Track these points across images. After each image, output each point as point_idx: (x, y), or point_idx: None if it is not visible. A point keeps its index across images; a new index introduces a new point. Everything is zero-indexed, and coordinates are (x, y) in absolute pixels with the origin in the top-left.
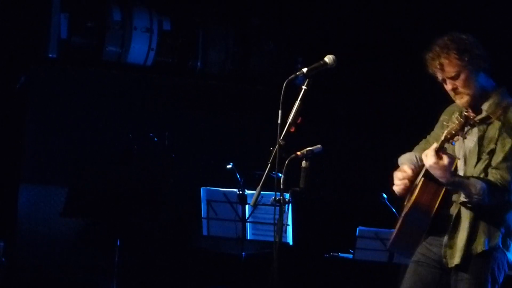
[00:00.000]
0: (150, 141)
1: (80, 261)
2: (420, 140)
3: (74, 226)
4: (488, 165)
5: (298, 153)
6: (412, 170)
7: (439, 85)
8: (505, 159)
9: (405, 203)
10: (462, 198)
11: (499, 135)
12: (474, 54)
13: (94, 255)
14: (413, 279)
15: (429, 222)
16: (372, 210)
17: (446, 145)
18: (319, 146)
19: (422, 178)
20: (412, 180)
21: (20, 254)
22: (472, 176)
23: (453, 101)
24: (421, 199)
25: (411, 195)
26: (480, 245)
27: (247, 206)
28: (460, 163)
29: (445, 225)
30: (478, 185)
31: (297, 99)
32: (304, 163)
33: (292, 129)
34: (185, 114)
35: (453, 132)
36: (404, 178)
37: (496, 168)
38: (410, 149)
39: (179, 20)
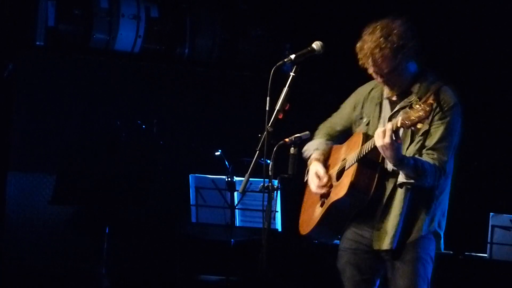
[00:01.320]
0: (138, 128)
1: (69, 248)
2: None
3: (63, 213)
4: (422, 146)
5: (287, 139)
6: (324, 170)
7: None
8: (440, 139)
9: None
10: (402, 179)
11: (433, 117)
12: (407, 48)
13: (83, 243)
14: (350, 268)
15: (363, 206)
16: None
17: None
18: (307, 132)
19: (357, 163)
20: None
21: (8, 242)
22: (417, 157)
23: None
24: (358, 182)
25: (333, 180)
26: (418, 230)
27: (235, 193)
28: None
29: (375, 209)
30: (423, 165)
31: (285, 86)
32: (292, 150)
33: (280, 116)
34: (173, 101)
35: (416, 119)
36: (322, 186)
37: (432, 148)
38: None
39: (167, 7)
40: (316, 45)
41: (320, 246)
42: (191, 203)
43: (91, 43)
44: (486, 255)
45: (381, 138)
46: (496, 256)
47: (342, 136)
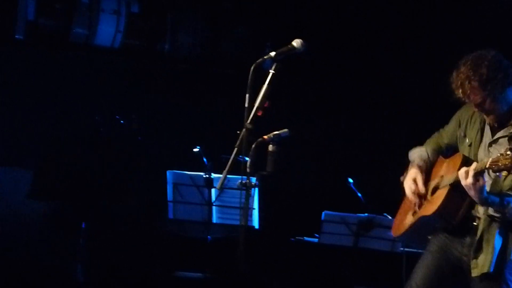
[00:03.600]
0: (117, 124)
1: (45, 244)
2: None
3: (40, 209)
4: None
5: (265, 137)
6: (422, 179)
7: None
8: None
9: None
10: (491, 212)
11: None
12: (497, 79)
13: (60, 238)
14: (430, 269)
15: (447, 227)
16: (338, 195)
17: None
18: (286, 130)
19: (449, 186)
20: (424, 174)
21: None
22: (503, 193)
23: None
24: (445, 207)
25: (428, 193)
26: (508, 256)
27: (213, 190)
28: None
29: (469, 226)
30: (510, 204)
31: (264, 83)
32: (271, 147)
33: (260, 113)
34: (153, 97)
35: (502, 166)
36: (416, 193)
37: None
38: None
39: (148, 2)
40: (296, 43)
41: (296, 244)
42: (168, 199)
43: (70, 38)
44: None
45: (464, 179)
46: None
47: (450, 149)
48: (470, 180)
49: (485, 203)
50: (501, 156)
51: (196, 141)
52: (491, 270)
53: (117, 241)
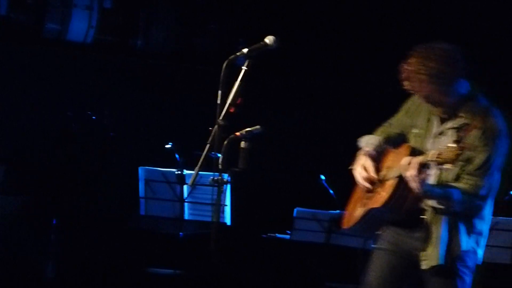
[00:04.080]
0: (89, 120)
1: (15, 240)
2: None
3: (10, 204)
4: (463, 170)
5: (237, 133)
6: (374, 171)
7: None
8: (480, 166)
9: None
10: (434, 204)
11: (478, 143)
12: (444, 73)
13: (30, 234)
14: (382, 267)
15: (396, 218)
16: (309, 191)
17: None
18: (258, 127)
19: (397, 179)
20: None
21: None
22: (445, 185)
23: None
24: (394, 199)
25: (378, 186)
26: (458, 249)
27: (185, 186)
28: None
29: (417, 219)
30: (451, 196)
31: (237, 80)
32: (243, 144)
33: (232, 110)
34: (125, 93)
35: (446, 159)
36: (367, 179)
37: (470, 174)
38: (351, 131)
39: None
40: (269, 39)
41: (268, 241)
42: (140, 196)
43: (43, 33)
44: None
45: (406, 170)
46: None
47: (399, 139)
48: (412, 172)
49: (427, 195)
50: (445, 149)
51: (168, 137)
52: (441, 262)
53: (88, 237)
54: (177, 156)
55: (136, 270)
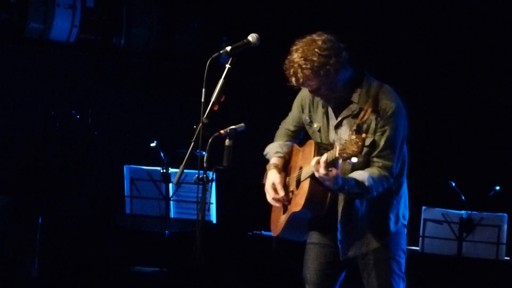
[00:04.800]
0: (73, 119)
1: (1, 238)
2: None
3: None
4: (370, 156)
5: (222, 131)
6: (281, 180)
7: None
8: (385, 147)
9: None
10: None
11: (376, 126)
12: (329, 65)
13: (16, 233)
14: (316, 261)
15: (319, 216)
16: None
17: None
18: (242, 124)
19: (309, 180)
20: (284, 167)
21: None
22: (357, 175)
23: None
24: (311, 199)
25: (290, 186)
26: (386, 231)
27: (170, 185)
28: (337, 147)
29: (335, 215)
30: (366, 182)
31: (221, 78)
32: (227, 142)
33: (216, 108)
34: (109, 92)
35: (350, 153)
36: (277, 200)
37: (377, 156)
38: None
39: None
40: (251, 37)
41: (253, 238)
42: (125, 195)
43: (26, 33)
44: (418, 248)
45: (317, 171)
46: (427, 249)
47: (300, 134)
48: (322, 171)
49: (341, 189)
50: (347, 143)
51: (153, 136)
52: (373, 246)
53: (74, 236)
54: (162, 154)
55: (122, 269)
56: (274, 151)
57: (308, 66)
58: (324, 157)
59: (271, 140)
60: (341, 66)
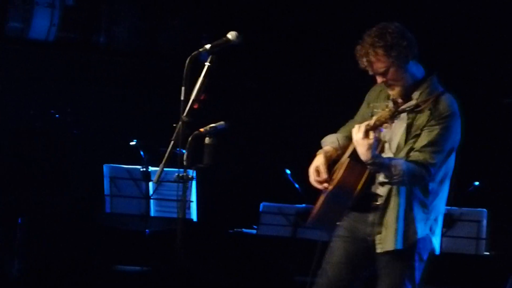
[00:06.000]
0: (52, 118)
1: None
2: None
3: None
4: (412, 148)
5: (202, 129)
6: (326, 172)
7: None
8: (429, 143)
9: (329, 180)
10: (381, 178)
11: (427, 122)
12: (401, 47)
13: None
14: (338, 254)
15: (352, 201)
16: (275, 186)
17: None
18: (222, 122)
19: (348, 159)
20: (336, 159)
21: None
22: (394, 158)
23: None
24: (346, 179)
25: (335, 173)
26: (413, 234)
27: (150, 183)
28: (387, 147)
29: (370, 204)
30: (399, 166)
31: (200, 76)
32: (207, 140)
33: (196, 106)
34: (88, 90)
35: (383, 119)
36: (319, 182)
37: (418, 150)
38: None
39: None
40: (231, 35)
41: (234, 236)
42: (105, 193)
43: (5, 31)
44: None
45: (355, 133)
46: None
47: None
48: (360, 135)
49: (373, 163)
50: (382, 112)
51: (133, 134)
52: (397, 247)
53: (54, 235)
54: (141, 153)
55: (102, 268)
56: (330, 140)
57: (381, 43)
58: (366, 122)
59: (251, 137)
60: (411, 53)
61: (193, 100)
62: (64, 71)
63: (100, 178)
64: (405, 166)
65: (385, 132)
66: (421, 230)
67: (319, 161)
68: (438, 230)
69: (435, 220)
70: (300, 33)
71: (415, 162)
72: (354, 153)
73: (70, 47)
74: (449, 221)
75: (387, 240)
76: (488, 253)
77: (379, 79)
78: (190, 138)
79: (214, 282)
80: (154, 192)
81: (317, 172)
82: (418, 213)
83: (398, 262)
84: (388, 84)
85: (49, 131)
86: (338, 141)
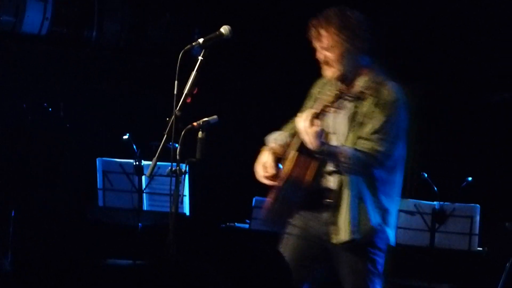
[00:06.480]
0: (45, 112)
1: None
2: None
3: None
4: (359, 137)
5: (194, 123)
6: (274, 167)
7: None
8: (375, 131)
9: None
10: (330, 167)
11: (372, 111)
12: (354, 33)
13: None
14: (292, 253)
15: (302, 196)
16: None
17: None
18: (215, 116)
19: (296, 152)
20: (281, 156)
21: None
22: (341, 146)
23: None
24: (295, 172)
25: (283, 168)
26: (365, 224)
27: (143, 177)
28: (334, 139)
29: (322, 201)
30: (347, 153)
31: (193, 70)
32: (200, 134)
33: (189, 100)
34: (81, 85)
35: (327, 103)
36: (267, 177)
37: (365, 138)
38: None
39: None
40: (224, 29)
41: (227, 231)
42: (98, 187)
43: None
44: None
45: (300, 122)
46: (400, 240)
47: None
48: (305, 122)
49: (322, 151)
50: (324, 96)
51: (125, 128)
52: (353, 237)
53: (47, 229)
54: (134, 147)
55: (95, 262)
56: (273, 137)
57: (336, 22)
58: (308, 111)
59: (244, 131)
60: (360, 46)
61: (185, 94)
62: (57, 65)
63: (93, 172)
64: (353, 153)
65: (329, 123)
66: (374, 219)
67: (265, 157)
68: (392, 221)
69: (388, 210)
70: (294, 28)
71: (363, 150)
72: (301, 146)
73: (62, 41)
74: (442, 217)
75: (341, 231)
76: (481, 249)
77: (321, 55)
78: (183, 132)
79: (206, 276)
80: (146, 186)
81: (265, 168)
82: (369, 203)
83: (357, 256)
84: (327, 64)
85: (42, 125)
86: (283, 138)
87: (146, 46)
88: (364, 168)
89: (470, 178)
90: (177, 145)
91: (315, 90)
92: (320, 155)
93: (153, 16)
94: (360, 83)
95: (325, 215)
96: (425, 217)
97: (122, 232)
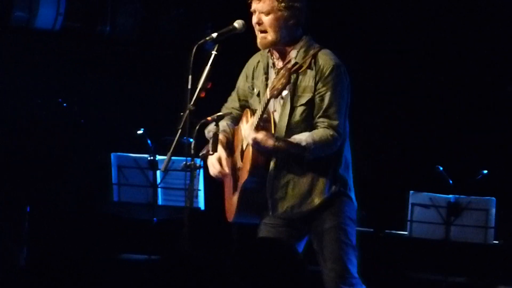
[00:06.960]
0: (59, 107)
1: None
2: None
3: None
4: (309, 115)
5: (209, 118)
6: (226, 154)
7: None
8: (329, 105)
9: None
10: (293, 161)
11: (315, 84)
12: (292, 3)
13: (4, 223)
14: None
15: (264, 183)
16: None
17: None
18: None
19: (251, 147)
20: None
21: None
22: (295, 136)
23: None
24: (256, 165)
25: (239, 162)
26: (321, 193)
27: (158, 172)
28: (275, 115)
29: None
30: (304, 140)
31: (207, 64)
32: (214, 128)
33: (202, 94)
34: (95, 80)
35: (281, 86)
36: (222, 172)
37: (322, 116)
38: None
39: None
40: (237, 23)
41: (242, 225)
42: (113, 182)
43: (11, 21)
44: (406, 232)
45: (247, 136)
46: (415, 233)
47: (244, 109)
48: (251, 135)
49: (278, 148)
50: (275, 80)
51: (140, 123)
52: (324, 195)
53: (62, 224)
54: (149, 141)
55: (109, 257)
56: (220, 129)
57: None
58: (249, 122)
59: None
60: (297, 17)
61: (199, 89)
62: (71, 60)
63: (108, 167)
64: (310, 137)
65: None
66: (327, 188)
67: (218, 151)
68: (350, 184)
69: (345, 177)
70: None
71: (323, 130)
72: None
73: (76, 37)
74: (457, 210)
75: (289, 200)
76: (496, 242)
77: (256, 19)
78: (197, 127)
79: (220, 270)
80: (161, 180)
81: (219, 162)
82: (321, 173)
83: (326, 230)
84: (261, 30)
85: (57, 120)
86: (226, 128)
87: (159, 41)
88: (327, 148)
89: (485, 171)
90: (191, 139)
91: (249, 70)
92: (277, 153)
93: (166, 10)
94: (294, 54)
95: (290, 191)
96: (440, 210)
97: (137, 227)
